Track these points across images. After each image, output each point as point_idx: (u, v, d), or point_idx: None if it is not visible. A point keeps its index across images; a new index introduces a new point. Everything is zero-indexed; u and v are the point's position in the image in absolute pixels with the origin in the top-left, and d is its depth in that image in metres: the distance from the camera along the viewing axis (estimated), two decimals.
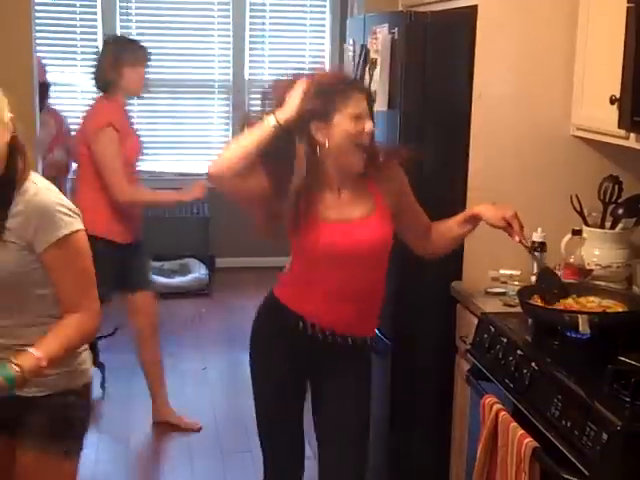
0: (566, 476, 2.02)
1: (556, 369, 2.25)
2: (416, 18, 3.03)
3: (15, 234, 2.08)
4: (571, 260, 2.86)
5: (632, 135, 2.55)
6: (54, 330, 2.13)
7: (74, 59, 6.78)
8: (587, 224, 2.94)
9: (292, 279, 2.58)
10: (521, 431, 2.24)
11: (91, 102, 4.19)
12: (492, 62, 3.02)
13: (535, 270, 2.99)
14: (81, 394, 2.27)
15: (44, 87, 4.83)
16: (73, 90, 6.75)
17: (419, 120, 3.07)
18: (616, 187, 2.91)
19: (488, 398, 2.46)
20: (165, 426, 4.22)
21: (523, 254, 2.84)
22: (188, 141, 7.18)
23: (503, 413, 2.36)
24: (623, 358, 2.22)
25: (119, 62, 3.93)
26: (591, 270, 2.84)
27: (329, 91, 2.41)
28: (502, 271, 3.03)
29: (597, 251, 2.90)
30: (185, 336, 5.59)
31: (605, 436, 1.93)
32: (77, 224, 2.15)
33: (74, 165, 4.90)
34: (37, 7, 6.53)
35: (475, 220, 2.66)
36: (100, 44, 6.75)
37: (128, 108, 4.23)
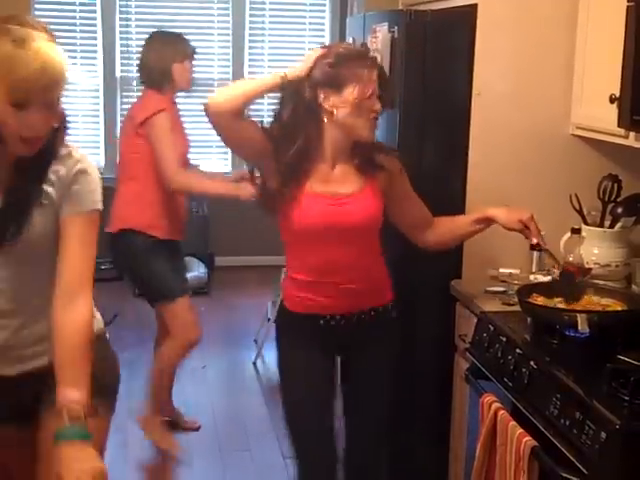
0: (565, 475, 2.02)
1: (555, 368, 2.25)
2: (416, 17, 3.03)
3: (51, 198, 1.98)
4: (570, 259, 2.86)
5: (631, 134, 2.56)
6: (73, 361, 1.94)
7: (74, 57, 6.77)
8: (586, 223, 2.94)
9: (292, 282, 2.59)
10: (520, 430, 2.24)
11: (139, 95, 4.09)
12: (492, 61, 3.02)
13: (535, 269, 3.00)
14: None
15: None
16: (73, 89, 6.74)
17: (419, 118, 3.07)
18: (615, 186, 2.92)
19: (487, 397, 2.46)
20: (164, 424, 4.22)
21: (522, 253, 2.84)
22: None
23: (502, 412, 2.36)
24: (622, 357, 2.23)
25: (167, 58, 3.83)
26: (590, 269, 2.84)
27: (344, 62, 2.43)
28: (501, 270, 3.04)
29: (596, 250, 2.90)
30: None
31: (604, 435, 1.93)
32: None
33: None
34: (37, 7, 6.63)
35: (488, 222, 2.67)
36: (100, 44, 6.77)
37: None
